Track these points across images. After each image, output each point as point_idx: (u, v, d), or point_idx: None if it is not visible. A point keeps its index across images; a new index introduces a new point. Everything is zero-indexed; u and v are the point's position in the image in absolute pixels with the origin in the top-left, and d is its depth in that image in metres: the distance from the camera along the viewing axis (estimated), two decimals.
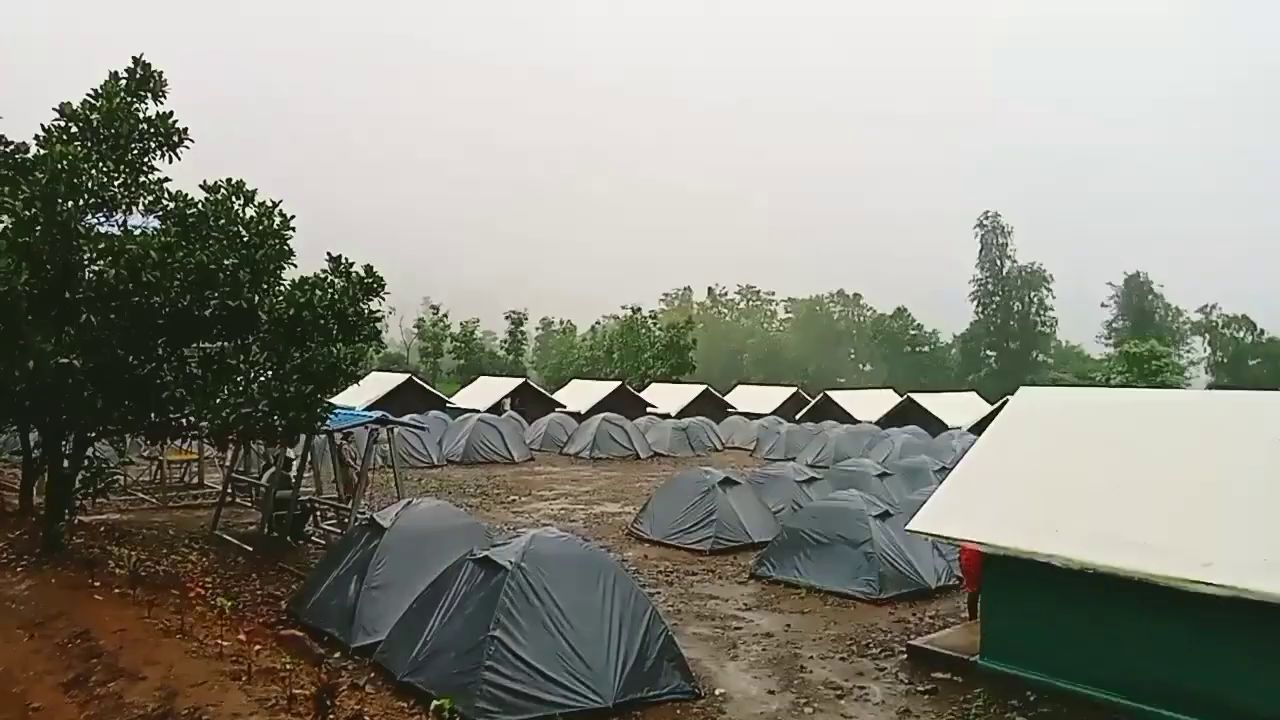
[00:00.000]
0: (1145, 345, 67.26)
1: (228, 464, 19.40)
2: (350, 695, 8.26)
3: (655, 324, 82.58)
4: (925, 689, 9.89)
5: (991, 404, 47.97)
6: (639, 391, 59.53)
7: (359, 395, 51.30)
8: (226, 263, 11.72)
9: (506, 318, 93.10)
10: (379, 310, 12.79)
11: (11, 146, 10.91)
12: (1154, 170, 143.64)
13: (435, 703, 6.53)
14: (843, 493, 16.44)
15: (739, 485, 19.32)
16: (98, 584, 9.73)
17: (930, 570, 14.63)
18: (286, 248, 12.88)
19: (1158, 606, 8.73)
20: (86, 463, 11.93)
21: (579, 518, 21.94)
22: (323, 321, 11.79)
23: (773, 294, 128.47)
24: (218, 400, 11.20)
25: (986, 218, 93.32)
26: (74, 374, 10.42)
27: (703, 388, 60.66)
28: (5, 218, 10.04)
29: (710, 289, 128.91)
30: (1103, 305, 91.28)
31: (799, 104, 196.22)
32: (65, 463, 11.78)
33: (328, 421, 12.68)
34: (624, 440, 37.96)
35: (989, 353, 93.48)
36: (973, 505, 10.48)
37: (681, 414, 51.69)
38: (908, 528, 10.71)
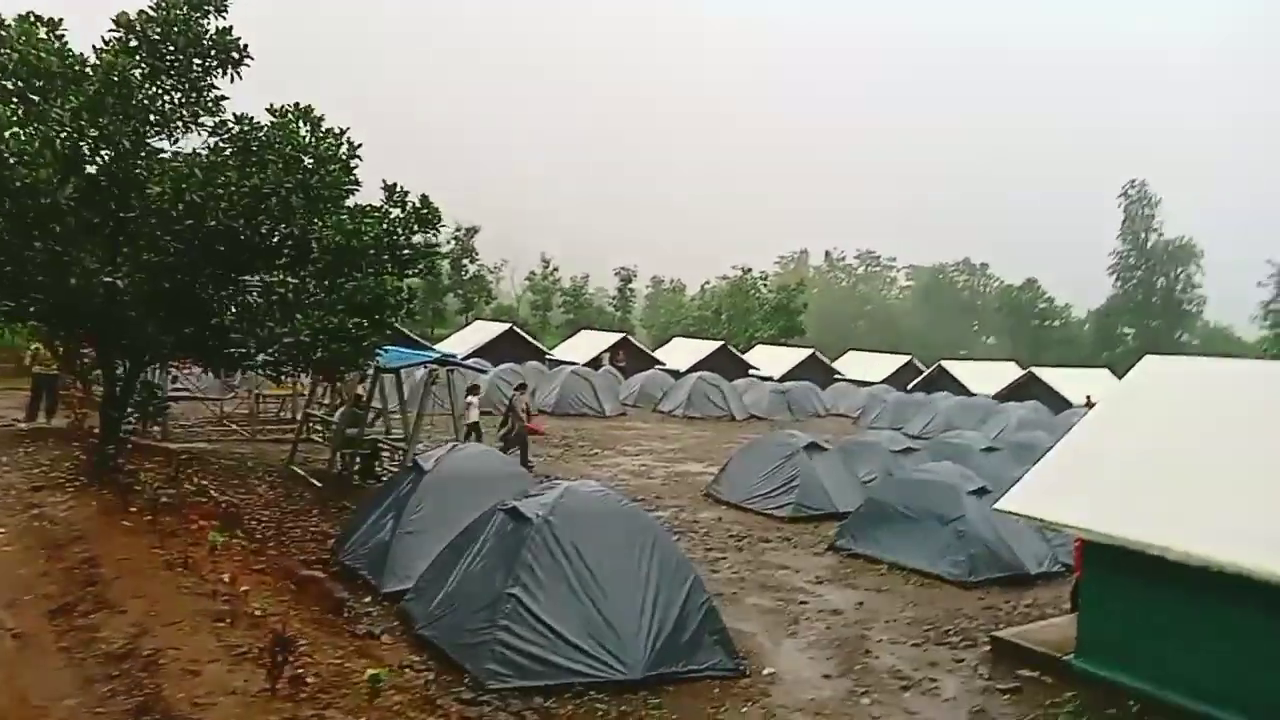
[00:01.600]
0: None
1: (305, 399, 19.45)
2: (361, 644, 7.71)
3: (765, 285, 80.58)
4: (1007, 687, 8.62)
5: None
6: (743, 353, 58.15)
7: (461, 342, 52.26)
8: (281, 188, 11.31)
9: (616, 274, 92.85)
10: (435, 243, 12.15)
11: (70, 59, 10.63)
12: None
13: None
14: (936, 465, 14.98)
15: (826, 451, 18.04)
16: (133, 509, 9.53)
17: (1030, 554, 13.11)
18: (350, 176, 12.41)
19: None
20: (140, 386, 11.82)
21: (658, 475, 21.16)
22: (372, 252, 11.22)
23: (893, 260, 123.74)
24: (264, 331, 10.82)
25: (1132, 186, 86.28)
26: (119, 294, 10.18)
27: (809, 351, 58.72)
28: (55, 127, 9.76)
29: (828, 253, 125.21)
30: (1259, 285, 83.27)
31: (946, 53, 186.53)
32: (117, 386, 11.69)
33: (378, 357, 12.17)
34: (719, 400, 36.89)
35: (1126, 330, 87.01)
36: (1076, 485, 9.03)
37: (785, 377, 50.07)
38: (996, 506, 9.36)
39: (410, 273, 12.13)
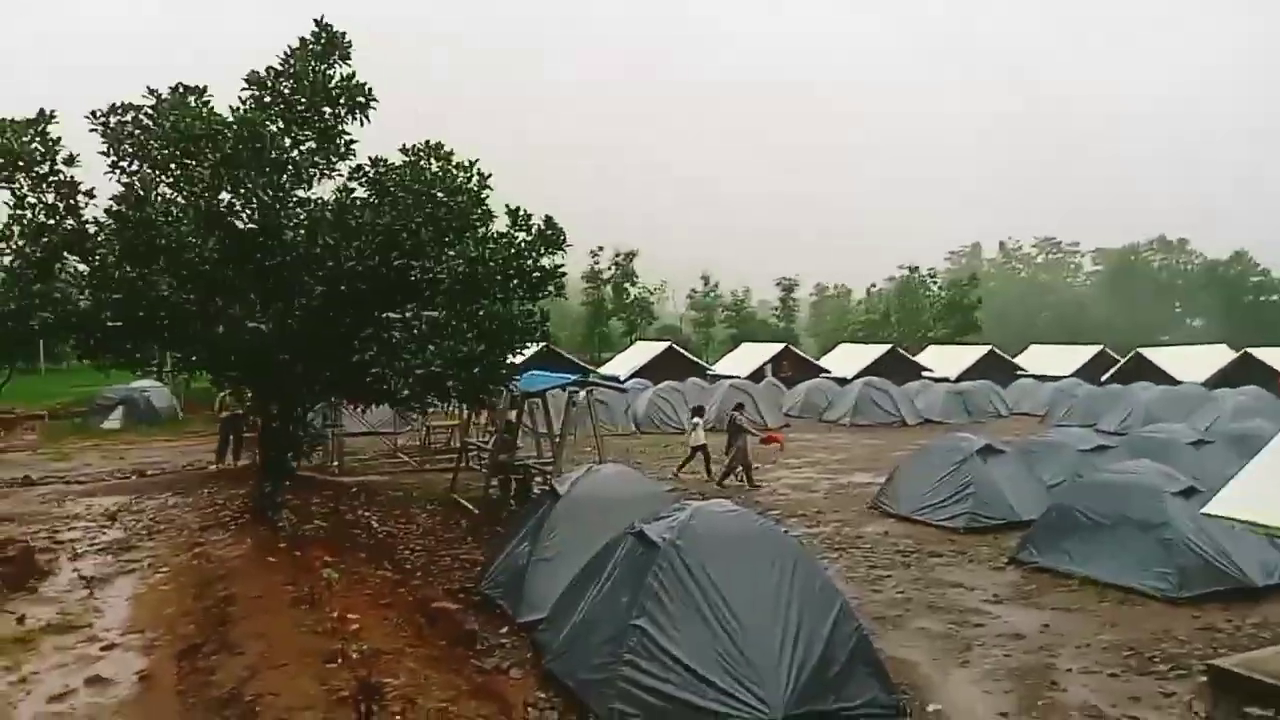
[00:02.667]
0: None
1: (461, 429, 19.89)
2: (486, 680, 7.45)
3: (935, 283, 76.83)
4: None
5: None
6: (914, 355, 55.44)
7: (624, 363, 52.81)
8: (411, 223, 11.50)
9: (777, 284, 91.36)
10: (562, 264, 11.97)
11: (213, 120, 11.24)
12: None
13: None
14: (1132, 464, 13.24)
15: (1003, 454, 16.47)
16: (281, 545, 9.81)
17: (1255, 564, 11.27)
18: (482, 207, 12.51)
19: None
20: (295, 426, 12.29)
21: (821, 488, 20.15)
22: (499, 277, 11.16)
23: (1076, 245, 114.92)
24: (401, 363, 10.95)
25: None
26: (265, 339, 10.58)
27: (987, 349, 55.17)
28: (197, 187, 10.33)
29: (1002, 243, 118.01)
30: None
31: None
32: (274, 425, 12.21)
33: (512, 382, 12.09)
34: (889, 406, 35.10)
35: None
36: None
37: (961, 378, 47.16)
38: (1205, 510, 7.94)
39: (540, 295, 11.99)
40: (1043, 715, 7.65)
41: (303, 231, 10.61)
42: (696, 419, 21.96)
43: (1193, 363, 47.57)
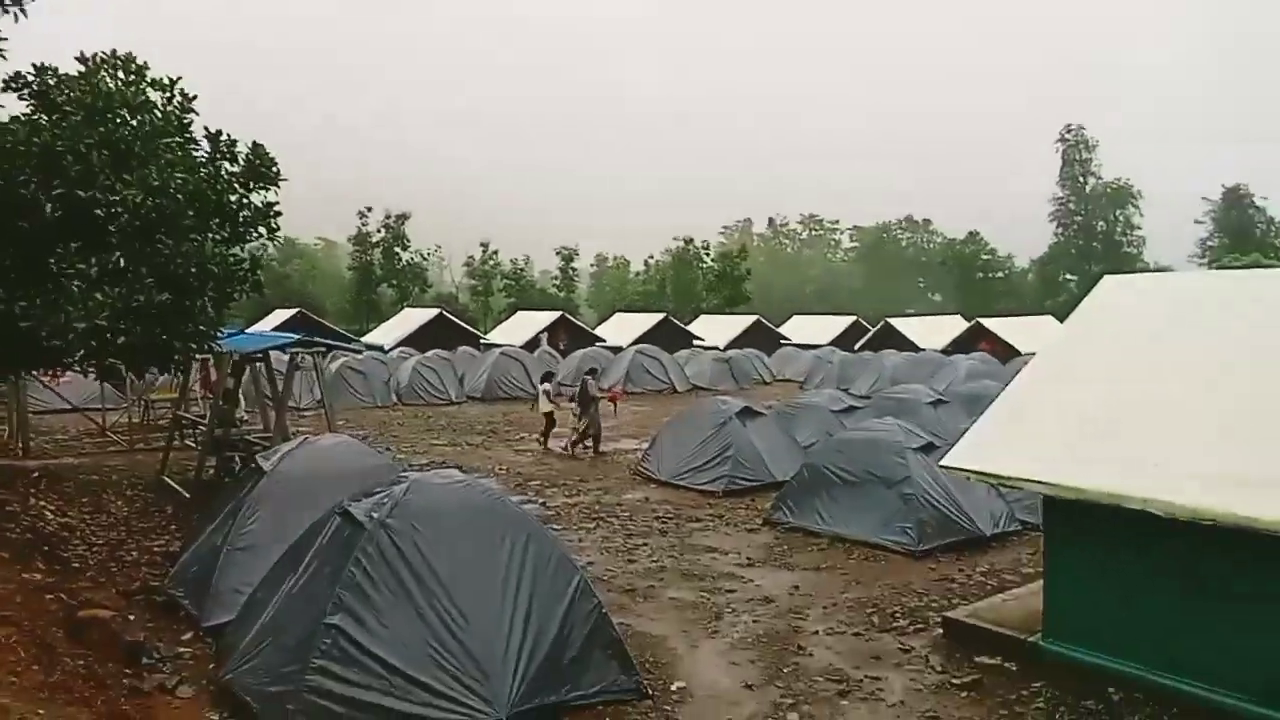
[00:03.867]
0: (1248, 258, 60.97)
1: (177, 401, 17.37)
2: (140, 705, 5.95)
3: (708, 255, 79.11)
4: (963, 680, 7.15)
5: None
6: (687, 324, 56.69)
7: (390, 332, 49.95)
8: (81, 146, 9.36)
9: (557, 253, 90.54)
10: (276, 202, 10.27)
11: None
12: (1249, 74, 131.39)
13: None
14: (878, 421, 13.54)
15: (762, 416, 16.55)
16: None
17: (985, 514, 11.76)
18: (185, 134, 10.51)
19: None
20: None
21: (586, 456, 19.52)
22: (192, 213, 9.32)
23: (836, 223, 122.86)
24: (63, 316, 8.89)
25: (1069, 131, 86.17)
26: None
27: (754, 318, 57.51)
28: None
29: (771, 219, 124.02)
30: (1197, 222, 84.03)
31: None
32: None
33: (217, 341, 10.29)
34: (660, 373, 35.35)
35: (1069, 276, 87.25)
36: (1034, 432, 7.57)
37: (730, 346, 48.70)
38: (942, 463, 7.87)
39: (249, 237, 10.23)
40: (787, 683, 7.24)
41: None
42: (545, 385, 21.17)
43: (933, 331, 51.99)
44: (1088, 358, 8.15)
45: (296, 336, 13.58)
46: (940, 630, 8.24)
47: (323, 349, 13.86)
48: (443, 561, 6.46)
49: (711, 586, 9.94)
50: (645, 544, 11.82)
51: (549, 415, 20.56)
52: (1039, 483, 7.01)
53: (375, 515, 6.54)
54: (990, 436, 7.83)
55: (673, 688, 7.13)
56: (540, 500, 14.56)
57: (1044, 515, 7.61)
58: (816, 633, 8.41)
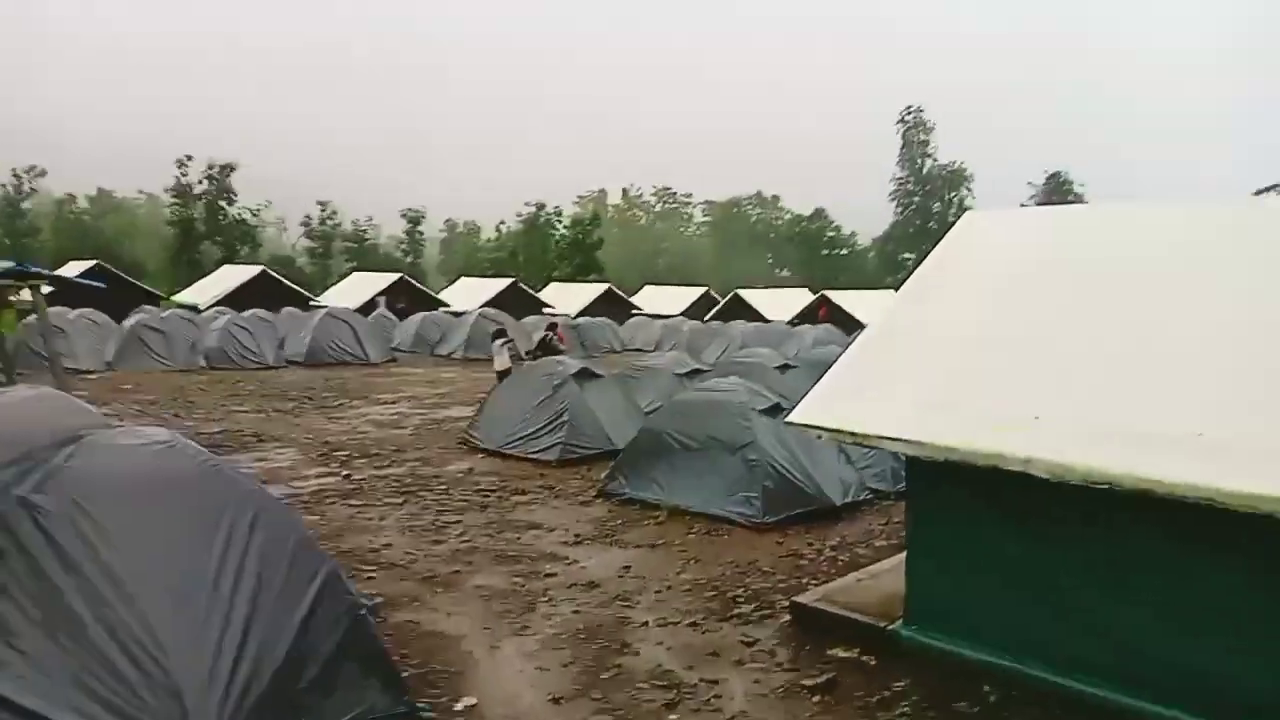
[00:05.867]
0: None
1: None
2: None
3: (560, 222, 77.22)
4: (815, 681, 5.94)
5: None
6: (537, 292, 54.80)
7: (203, 291, 45.53)
8: None
9: (403, 215, 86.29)
10: None
11: None
12: (1085, 61, 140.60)
13: None
14: (722, 381, 12.35)
15: (600, 379, 15.14)
16: None
17: (835, 482, 10.80)
18: None
19: (1217, 543, 4.92)
20: None
21: (410, 424, 17.61)
22: None
23: (689, 196, 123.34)
24: None
25: (909, 113, 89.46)
26: None
27: (605, 287, 56.28)
28: None
29: (625, 190, 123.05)
30: (1022, 205, 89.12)
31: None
32: None
33: None
34: None
35: (907, 255, 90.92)
36: (893, 383, 6.41)
37: (580, 314, 47.24)
38: (789, 419, 6.62)
39: None
40: (605, 692, 5.83)
41: None
42: (499, 340, 20.79)
43: (780, 303, 52.51)
44: (952, 299, 7.08)
45: (4, 265, 10.79)
46: (788, 617, 7.05)
47: (44, 282, 11.16)
48: (121, 554, 4.59)
49: (528, 570, 8.42)
50: (459, 520, 10.18)
51: (502, 374, 19.12)
52: (900, 440, 5.84)
53: (16, 491, 4.61)
54: (843, 388, 6.65)
55: (457, 707, 5.57)
56: (345, 473, 12.63)
57: (907, 480, 6.51)
58: (646, 624, 7.05)
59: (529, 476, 12.63)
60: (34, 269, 10.77)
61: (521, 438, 14.07)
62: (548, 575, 8.30)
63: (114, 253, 63.97)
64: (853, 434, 6.07)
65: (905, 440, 5.72)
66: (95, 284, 20.05)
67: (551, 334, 22.10)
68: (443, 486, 11.96)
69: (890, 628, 6.29)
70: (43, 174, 76.51)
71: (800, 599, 7.06)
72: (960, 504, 5.91)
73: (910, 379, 6.30)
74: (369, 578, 8.05)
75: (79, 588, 4.45)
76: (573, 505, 11.08)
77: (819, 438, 6.43)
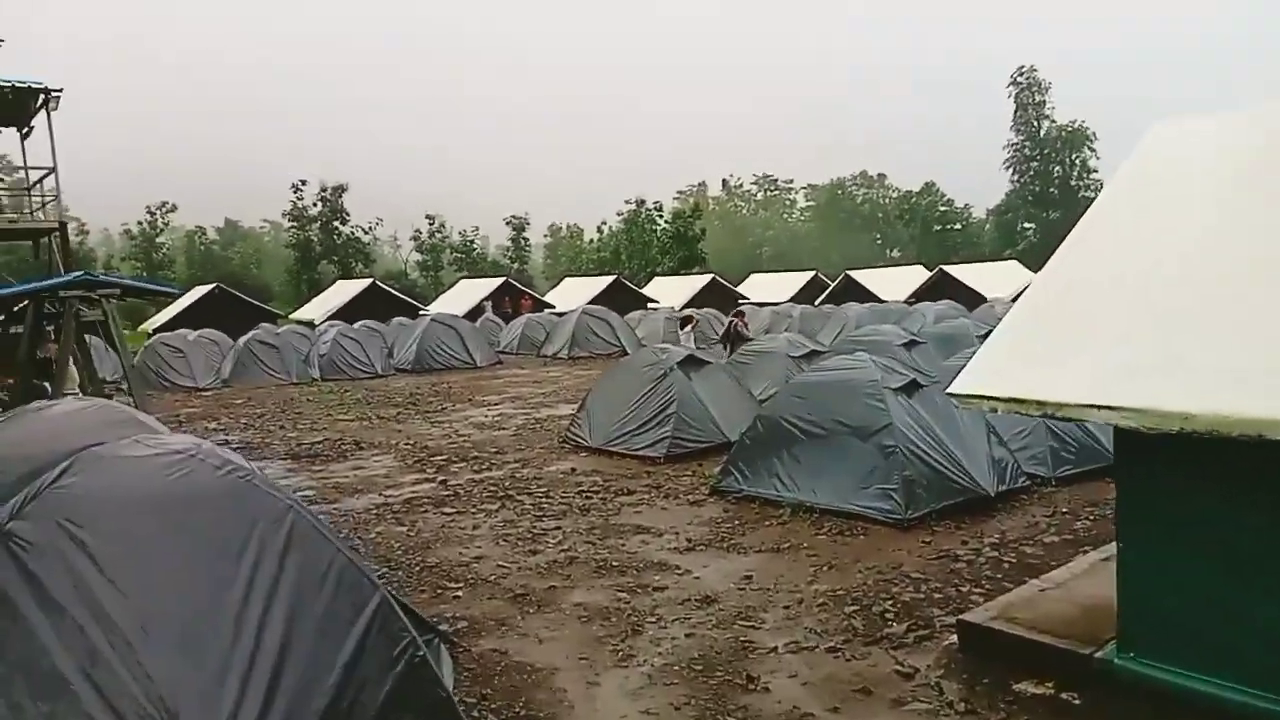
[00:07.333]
0: None
1: None
2: None
3: (661, 217, 76.14)
4: None
5: (1035, 273, 41.79)
6: (641, 288, 53.90)
7: (319, 307, 46.59)
8: None
9: (507, 223, 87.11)
10: None
11: None
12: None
13: None
14: (847, 358, 10.89)
15: (708, 366, 13.93)
16: None
17: (986, 468, 9.26)
18: None
19: None
20: None
21: (513, 425, 16.79)
22: None
23: (791, 182, 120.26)
24: None
25: (1021, 74, 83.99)
26: None
27: (709, 278, 54.76)
28: None
29: (724, 181, 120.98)
30: None
31: None
32: None
33: None
34: (609, 335, 32.56)
35: (1027, 225, 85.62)
36: (1081, 340, 4.94)
37: (686, 306, 46.01)
38: (949, 390, 5.21)
39: None
40: None
41: None
42: (685, 328, 23.00)
43: (895, 282, 49.89)
44: (1150, 233, 5.52)
45: (68, 278, 10.31)
46: (953, 639, 5.68)
47: (114, 293, 10.68)
48: (119, 591, 3.70)
49: (634, 583, 7.30)
50: (558, 527, 9.16)
51: None
52: (1109, 408, 4.39)
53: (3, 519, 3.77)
54: (1016, 352, 5.23)
55: None
56: (441, 478, 11.85)
57: (1116, 459, 5.03)
58: (774, 650, 5.80)
59: (634, 475, 11.54)
60: (101, 276, 10.39)
61: (625, 434, 12.99)
62: (656, 589, 7.15)
63: (240, 278, 66.91)
64: (1040, 403, 4.64)
65: (1116, 408, 4.28)
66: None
67: (738, 321, 21.78)
68: (542, 489, 10.99)
69: (1099, 654, 4.84)
70: (173, 209, 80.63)
71: (969, 617, 5.64)
72: (1197, 489, 4.42)
73: (1107, 333, 4.84)
74: (455, 597, 7.11)
75: (61, 636, 3.56)
76: (683, 506, 9.91)
77: (993, 411, 5.00)
